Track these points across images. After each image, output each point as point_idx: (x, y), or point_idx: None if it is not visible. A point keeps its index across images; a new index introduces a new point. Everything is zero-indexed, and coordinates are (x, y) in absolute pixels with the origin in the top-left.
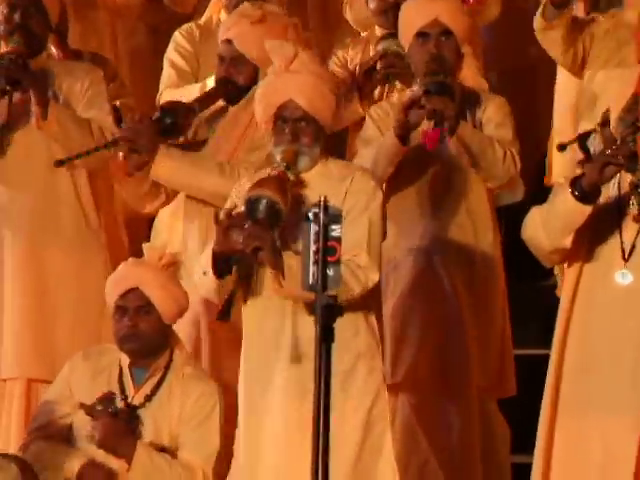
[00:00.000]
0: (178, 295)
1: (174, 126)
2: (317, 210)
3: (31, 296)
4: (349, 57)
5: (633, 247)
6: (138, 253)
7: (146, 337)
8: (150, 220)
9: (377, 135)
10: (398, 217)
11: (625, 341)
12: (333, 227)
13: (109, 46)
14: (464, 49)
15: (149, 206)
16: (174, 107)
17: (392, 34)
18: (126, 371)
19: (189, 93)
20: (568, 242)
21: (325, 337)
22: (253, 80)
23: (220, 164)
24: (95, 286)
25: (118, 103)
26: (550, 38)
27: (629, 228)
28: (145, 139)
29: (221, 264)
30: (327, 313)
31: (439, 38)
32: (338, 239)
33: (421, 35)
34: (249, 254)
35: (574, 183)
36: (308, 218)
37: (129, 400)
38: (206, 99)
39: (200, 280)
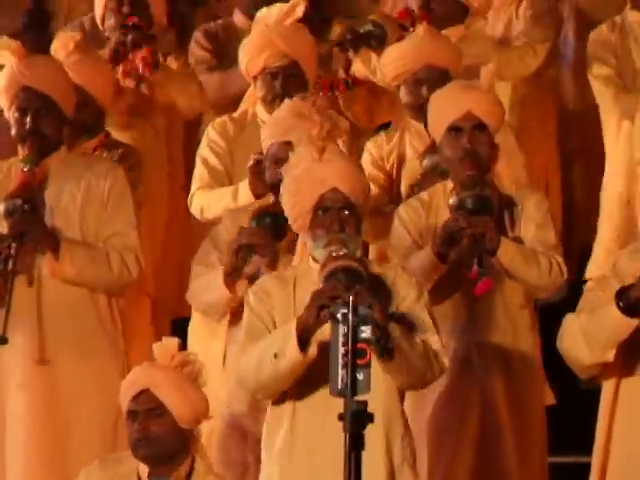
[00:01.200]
0: (193, 397)
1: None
2: (345, 310)
3: (39, 408)
4: (385, 154)
5: None
6: None
7: (159, 442)
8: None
9: (408, 241)
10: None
11: None
12: (362, 328)
13: None
14: (497, 139)
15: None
16: (275, 209)
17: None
18: None
19: (220, 197)
20: (611, 356)
21: (355, 446)
22: None
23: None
24: (110, 394)
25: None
26: None
27: None
28: (270, 243)
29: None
30: (357, 420)
31: (473, 132)
32: (368, 340)
33: (454, 129)
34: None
35: (620, 294)
36: (336, 319)
37: None
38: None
39: (261, 368)
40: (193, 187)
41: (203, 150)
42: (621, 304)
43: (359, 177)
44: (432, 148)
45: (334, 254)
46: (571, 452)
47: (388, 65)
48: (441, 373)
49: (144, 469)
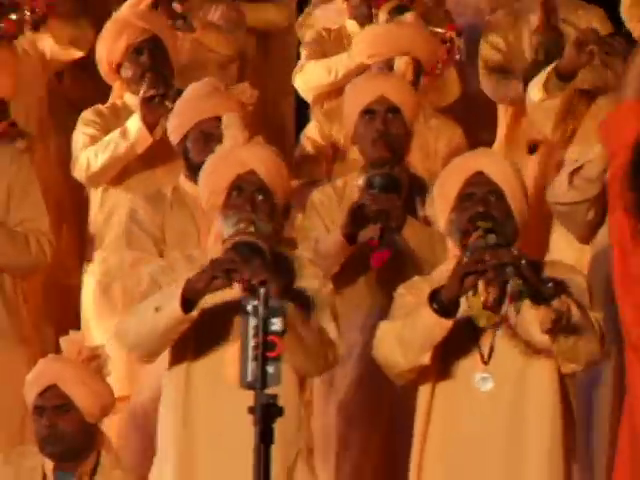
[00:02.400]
0: (101, 392)
1: None
2: (256, 303)
3: None
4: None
5: (492, 350)
6: None
7: (67, 438)
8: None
9: (319, 226)
10: (344, 308)
11: (488, 449)
12: (273, 321)
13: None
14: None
15: None
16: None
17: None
18: (50, 476)
19: (106, 143)
20: (427, 359)
21: (265, 438)
22: None
23: None
24: (15, 387)
25: None
26: (545, 109)
27: (487, 334)
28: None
29: (189, 301)
30: (267, 413)
31: (386, 115)
32: (278, 333)
33: (367, 112)
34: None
35: (433, 296)
36: (246, 312)
37: None
38: None
39: (142, 322)
40: (75, 153)
41: (80, 128)
42: (435, 305)
43: (279, 165)
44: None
45: (240, 230)
46: None
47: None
48: (335, 363)
49: (49, 464)
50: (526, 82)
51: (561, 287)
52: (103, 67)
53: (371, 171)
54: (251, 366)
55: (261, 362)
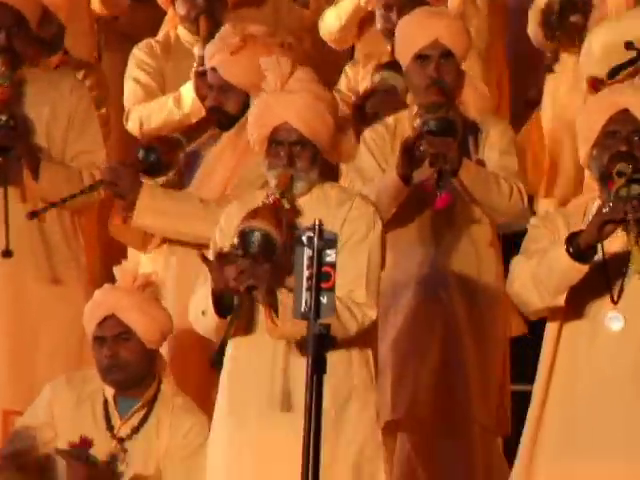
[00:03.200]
0: (159, 317)
1: (159, 163)
2: (311, 234)
3: (7, 323)
4: (360, 77)
5: (622, 290)
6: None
7: (129, 366)
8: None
9: (373, 166)
10: (398, 245)
11: (615, 388)
12: (328, 252)
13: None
14: (464, 66)
15: (150, 246)
16: (156, 143)
17: (392, 63)
18: (111, 401)
19: (160, 106)
20: (562, 300)
21: (317, 368)
22: (244, 107)
23: (206, 205)
24: (75, 313)
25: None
26: None
27: (617, 274)
28: (127, 181)
29: (222, 302)
30: (320, 343)
31: (439, 60)
32: (333, 264)
33: (420, 57)
34: (243, 292)
35: (570, 240)
36: (302, 242)
37: (115, 431)
38: (195, 129)
39: (197, 320)
40: (127, 105)
41: (132, 71)
42: (571, 250)
43: (317, 111)
44: (386, 64)
45: (266, 199)
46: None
47: None
48: (362, 326)
49: (110, 390)
50: None
51: None
52: None
53: (426, 115)
54: (305, 296)
55: (315, 292)
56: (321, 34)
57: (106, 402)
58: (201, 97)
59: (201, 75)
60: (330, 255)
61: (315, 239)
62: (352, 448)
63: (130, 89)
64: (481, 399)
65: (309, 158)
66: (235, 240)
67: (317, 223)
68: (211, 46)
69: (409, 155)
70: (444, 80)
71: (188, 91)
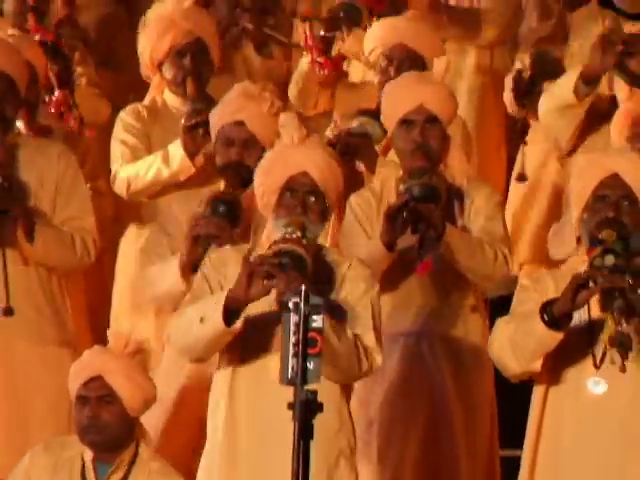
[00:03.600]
0: (144, 385)
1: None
2: (297, 300)
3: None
4: None
5: (604, 354)
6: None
7: (108, 429)
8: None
9: (359, 232)
10: (383, 309)
11: (601, 452)
12: (314, 317)
13: None
14: (450, 131)
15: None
16: (229, 196)
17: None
18: (89, 466)
19: (148, 165)
20: (538, 366)
21: (304, 434)
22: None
23: None
24: (63, 378)
25: (89, 186)
26: (572, 115)
27: (599, 340)
28: (227, 232)
29: (231, 316)
30: (307, 409)
31: (424, 126)
32: (319, 330)
33: (406, 122)
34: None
35: (545, 308)
36: (288, 308)
37: None
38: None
39: (188, 329)
40: (114, 167)
41: (119, 134)
42: (546, 317)
43: (332, 166)
44: (366, 111)
45: (287, 235)
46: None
47: (367, 40)
48: (371, 370)
49: (89, 454)
50: None
51: None
52: (144, 62)
53: (409, 181)
54: (291, 362)
55: (302, 358)
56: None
57: (83, 467)
58: (190, 153)
59: (190, 130)
60: (316, 321)
61: (301, 305)
62: None
63: (117, 151)
64: (470, 469)
65: (319, 212)
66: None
67: (303, 289)
68: (237, 100)
69: (393, 222)
70: (429, 145)
71: (176, 148)
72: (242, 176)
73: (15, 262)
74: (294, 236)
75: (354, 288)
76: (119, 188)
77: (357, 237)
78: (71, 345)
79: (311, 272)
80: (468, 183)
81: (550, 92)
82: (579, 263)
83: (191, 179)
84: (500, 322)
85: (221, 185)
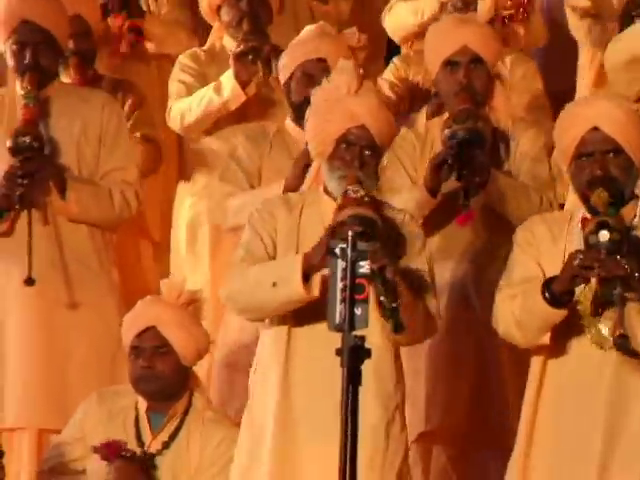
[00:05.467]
0: (198, 335)
1: None
2: (344, 245)
3: (38, 342)
4: (412, 73)
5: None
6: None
7: (163, 379)
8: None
9: (402, 175)
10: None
11: (595, 416)
12: (361, 264)
13: None
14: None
15: None
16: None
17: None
18: (143, 416)
19: (200, 97)
20: (546, 339)
21: (352, 381)
22: None
23: None
24: (106, 328)
25: (139, 135)
26: None
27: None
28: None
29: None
30: (355, 355)
31: (469, 66)
32: (367, 276)
33: (449, 63)
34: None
35: (546, 286)
36: (334, 254)
37: (146, 447)
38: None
39: (255, 290)
40: (170, 103)
41: (177, 74)
42: (547, 296)
43: (389, 120)
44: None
45: (352, 193)
46: None
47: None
48: (431, 336)
49: (142, 403)
50: (621, 27)
51: None
52: (204, 7)
53: (454, 125)
54: (339, 308)
55: (349, 304)
56: (386, 28)
57: (137, 417)
58: (241, 82)
59: (241, 57)
60: (364, 267)
61: (349, 250)
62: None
63: (173, 89)
64: (518, 409)
65: (374, 166)
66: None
67: (350, 235)
68: (317, 37)
69: (437, 169)
70: (473, 86)
71: (228, 78)
72: None
73: (48, 222)
74: (359, 195)
75: (411, 246)
76: (173, 122)
77: (400, 180)
78: (115, 296)
79: (388, 241)
80: (513, 124)
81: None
82: (574, 210)
83: (247, 113)
84: (502, 297)
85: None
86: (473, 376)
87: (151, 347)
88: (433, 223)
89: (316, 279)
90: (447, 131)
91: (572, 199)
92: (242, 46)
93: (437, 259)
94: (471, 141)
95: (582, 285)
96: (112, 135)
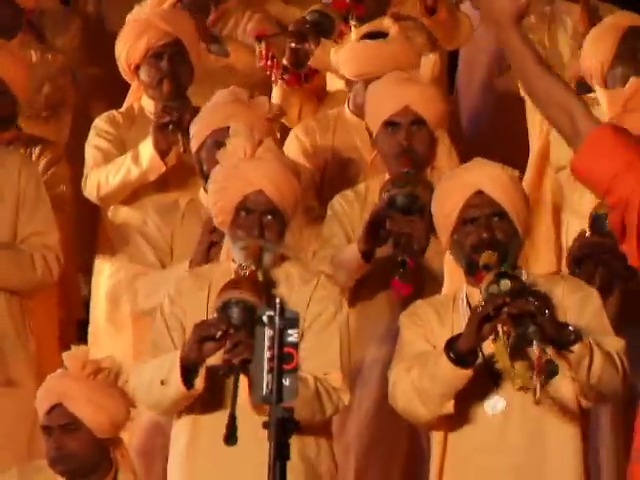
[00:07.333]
0: (109, 406)
1: None
2: (272, 313)
3: None
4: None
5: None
6: None
7: (76, 457)
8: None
9: (338, 233)
10: (363, 322)
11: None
12: (289, 332)
13: None
14: (437, 134)
15: None
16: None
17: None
18: None
19: (118, 167)
20: (450, 407)
21: (280, 454)
22: None
23: None
24: (23, 403)
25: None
26: None
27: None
28: None
29: (190, 374)
30: (282, 428)
31: (410, 128)
32: (295, 345)
33: (390, 124)
34: (236, 365)
35: (450, 345)
36: (262, 322)
37: None
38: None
39: (149, 390)
40: (86, 171)
41: (93, 139)
42: (452, 355)
43: (289, 180)
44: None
45: (241, 271)
46: None
47: (350, 61)
48: (337, 412)
49: None
50: None
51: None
52: (122, 66)
53: (393, 189)
54: (266, 379)
55: (277, 375)
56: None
57: None
58: (161, 152)
59: (161, 128)
60: (292, 335)
61: (276, 318)
62: None
63: (90, 156)
64: None
65: (278, 230)
66: (215, 313)
67: (278, 302)
68: (229, 105)
69: (373, 231)
70: (414, 148)
71: (147, 147)
72: None
73: None
74: (247, 272)
75: (321, 311)
76: (90, 192)
77: (337, 239)
78: (32, 369)
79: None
80: None
81: None
82: (457, 290)
83: (166, 176)
84: (397, 371)
85: (196, 192)
86: (403, 469)
87: (59, 426)
88: (366, 290)
89: (201, 372)
90: (385, 195)
91: (448, 284)
92: (163, 117)
93: (369, 333)
94: (410, 207)
95: (491, 343)
96: (31, 199)
